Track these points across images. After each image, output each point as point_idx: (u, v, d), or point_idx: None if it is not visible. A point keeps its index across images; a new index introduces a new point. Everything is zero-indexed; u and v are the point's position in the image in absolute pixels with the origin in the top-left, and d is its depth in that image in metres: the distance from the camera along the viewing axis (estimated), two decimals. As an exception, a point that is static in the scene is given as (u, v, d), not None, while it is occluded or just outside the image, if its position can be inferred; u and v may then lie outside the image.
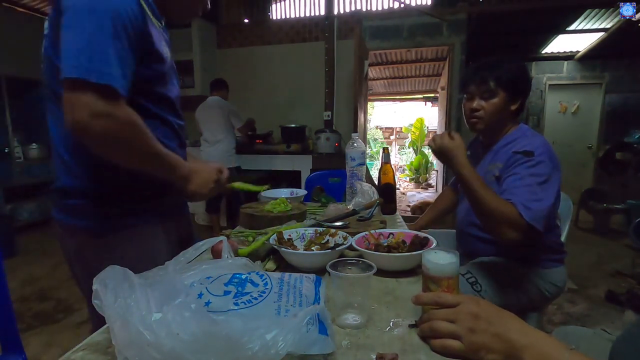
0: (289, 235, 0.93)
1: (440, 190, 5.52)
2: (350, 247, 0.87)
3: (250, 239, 0.98)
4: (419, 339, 0.56)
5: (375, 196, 1.26)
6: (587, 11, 3.96)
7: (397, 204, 1.51)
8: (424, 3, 4.48)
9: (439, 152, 1.12)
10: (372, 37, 4.42)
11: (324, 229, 0.98)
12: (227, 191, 1.09)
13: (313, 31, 4.58)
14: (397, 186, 6.94)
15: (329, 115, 4.30)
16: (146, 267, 0.56)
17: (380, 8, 4.57)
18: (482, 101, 1.22)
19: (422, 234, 0.92)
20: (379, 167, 1.48)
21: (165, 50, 0.90)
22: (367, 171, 1.62)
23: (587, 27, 4.37)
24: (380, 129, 12.63)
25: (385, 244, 0.90)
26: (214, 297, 0.50)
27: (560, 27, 4.41)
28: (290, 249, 0.85)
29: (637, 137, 4.84)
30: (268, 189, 1.39)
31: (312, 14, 4.74)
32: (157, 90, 0.90)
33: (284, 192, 1.49)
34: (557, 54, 5.37)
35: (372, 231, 0.95)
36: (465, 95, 1.28)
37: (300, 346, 0.44)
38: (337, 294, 0.61)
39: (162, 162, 0.85)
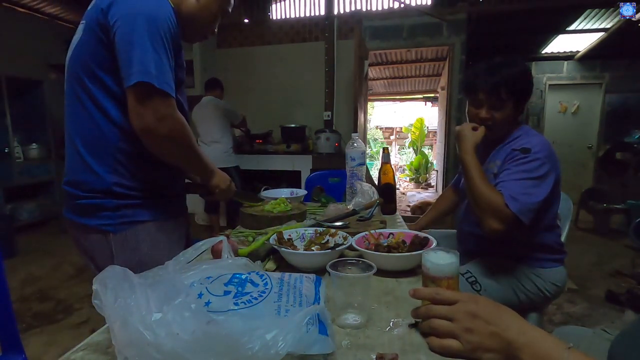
0: (289, 235, 0.93)
1: (440, 190, 5.52)
2: (350, 247, 0.87)
3: (250, 239, 0.99)
4: (419, 339, 0.56)
5: (375, 196, 1.26)
6: (587, 11, 3.96)
7: (397, 204, 1.51)
8: (424, 3, 4.47)
9: (457, 135, 1.21)
10: (372, 37, 4.42)
11: (324, 229, 0.98)
12: (231, 197, 1.19)
13: (313, 31, 4.58)
14: (397, 186, 6.94)
15: (329, 115, 4.30)
16: (160, 260, 0.58)
17: (380, 8, 4.57)
18: (492, 110, 1.19)
19: (422, 234, 0.92)
20: (379, 167, 1.48)
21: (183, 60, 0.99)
22: (367, 171, 1.62)
23: (587, 27, 4.37)
24: (380, 129, 12.63)
25: (385, 244, 0.90)
26: (214, 297, 0.50)
27: (560, 27, 4.41)
28: (290, 249, 0.85)
29: (637, 137, 4.85)
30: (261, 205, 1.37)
31: (312, 14, 4.73)
32: (176, 96, 0.96)
33: (284, 192, 1.49)
34: (557, 54, 5.37)
35: (372, 231, 0.95)
36: (469, 99, 1.24)
37: (300, 346, 0.44)
38: (337, 294, 0.61)
39: (200, 159, 1.00)
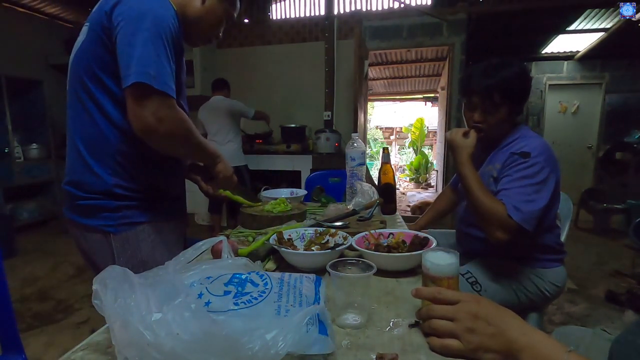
0: (289, 235, 0.93)
1: (440, 190, 5.52)
2: (350, 247, 0.87)
3: (250, 239, 0.99)
4: (419, 339, 0.56)
5: (375, 196, 1.26)
6: (587, 11, 3.96)
7: (397, 204, 1.51)
8: (424, 3, 4.47)
9: (449, 145, 1.19)
10: (372, 37, 4.42)
11: (324, 229, 0.98)
12: (230, 188, 1.18)
13: (313, 31, 4.58)
14: (397, 186, 6.94)
15: (329, 115, 4.30)
16: (161, 261, 0.58)
17: (380, 8, 4.57)
18: (485, 114, 1.18)
19: (422, 234, 0.92)
20: (379, 167, 1.48)
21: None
22: (367, 171, 1.62)
23: (587, 27, 4.37)
24: (380, 129, 12.63)
25: (385, 244, 0.90)
26: (214, 297, 0.50)
27: (560, 27, 4.41)
28: (290, 249, 0.85)
29: (637, 137, 4.84)
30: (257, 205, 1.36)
31: (312, 14, 4.73)
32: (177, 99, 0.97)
33: (284, 192, 1.49)
34: (557, 54, 5.37)
35: (372, 231, 0.95)
36: (464, 101, 1.24)
37: (300, 346, 0.44)
38: (337, 294, 0.61)
39: (203, 148, 1.00)
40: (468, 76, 1.21)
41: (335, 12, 4.39)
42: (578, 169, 5.57)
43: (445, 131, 4.62)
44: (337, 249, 0.83)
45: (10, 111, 4.01)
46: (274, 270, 0.84)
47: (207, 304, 0.49)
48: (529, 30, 4.50)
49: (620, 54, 5.03)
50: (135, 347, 0.41)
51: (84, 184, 0.91)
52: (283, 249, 0.83)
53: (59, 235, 3.99)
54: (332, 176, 2.24)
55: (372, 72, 6.84)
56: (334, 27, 4.21)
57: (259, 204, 1.30)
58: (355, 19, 4.34)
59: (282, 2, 4.80)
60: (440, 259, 0.62)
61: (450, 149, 1.19)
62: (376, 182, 1.48)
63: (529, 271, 1.21)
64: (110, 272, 0.47)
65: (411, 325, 0.60)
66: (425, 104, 10.52)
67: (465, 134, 1.18)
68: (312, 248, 0.89)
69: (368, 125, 8.54)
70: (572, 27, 4.39)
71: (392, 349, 0.53)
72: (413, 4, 4.47)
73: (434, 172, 7.78)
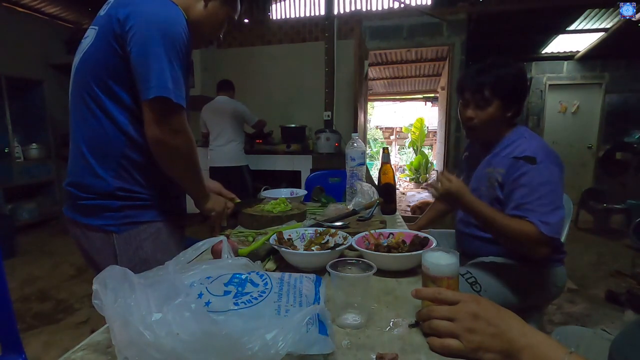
0: (289, 235, 0.93)
1: (440, 190, 5.52)
2: (350, 247, 0.87)
3: (250, 239, 0.99)
4: (419, 339, 0.56)
5: (375, 196, 1.26)
6: (587, 11, 3.96)
7: (397, 204, 1.51)
8: (424, 3, 4.48)
9: (446, 196, 1.12)
10: (372, 37, 4.42)
11: (324, 229, 0.98)
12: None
13: (313, 31, 4.58)
14: (397, 186, 6.94)
15: (329, 115, 4.30)
16: (162, 260, 0.58)
17: (380, 8, 4.57)
18: (477, 110, 1.19)
19: (422, 234, 0.92)
20: (379, 167, 1.48)
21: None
22: (367, 171, 1.62)
23: (587, 27, 4.37)
24: (380, 129, 12.63)
25: (385, 244, 0.90)
26: (214, 297, 0.50)
27: (560, 27, 4.41)
28: (290, 249, 0.85)
29: (637, 137, 4.85)
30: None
31: (312, 14, 4.73)
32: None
33: (284, 192, 1.49)
34: (557, 54, 5.37)
35: (372, 231, 0.95)
36: (460, 99, 1.26)
37: (300, 346, 0.44)
38: (337, 294, 0.61)
39: (200, 178, 1.01)
40: (464, 74, 1.24)
41: (335, 12, 4.39)
42: (578, 169, 5.56)
43: (446, 131, 4.63)
44: (337, 249, 0.83)
45: (10, 111, 4.01)
46: (274, 270, 0.84)
47: (207, 304, 0.49)
48: (529, 30, 4.50)
49: (620, 54, 5.03)
50: (135, 347, 0.41)
51: (87, 186, 0.91)
52: (283, 249, 0.83)
53: (59, 235, 3.99)
54: (332, 176, 2.24)
55: (372, 72, 6.84)
56: (334, 27, 4.21)
57: (260, 205, 1.30)
58: (355, 19, 4.33)
59: (282, 2, 4.80)
60: (440, 259, 0.62)
61: (449, 198, 1.12)
62: (376, 182, 1.48)
63: (529, 271, 1.21)
64: (110, 272, 0.47)
65: (411, 325, 0.60)
66: (425, 104, 10.52)
67: (449, 179, 1.12)
68: (312, 248, 0.89)
69: (368, 125, 8.54)
70: (572, 27, 4.39)
71: (392, 349, 0.53)
72: (413, 4, 4.47)
73: (434, 172, 7.78)
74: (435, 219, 1.63)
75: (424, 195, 6.73)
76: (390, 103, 11.39)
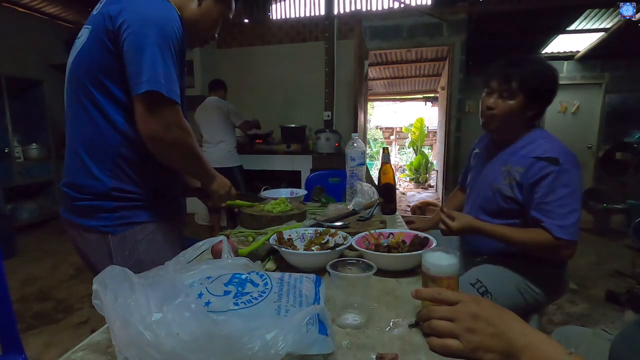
0: (289, 235, 0.93)
1: (440, 190, 5.53)
2: (350, 247, 0.87)
3: (250, 239, 0.99)
4: (419, 339, 0.56)
5: (375, 196, 1.26)
6: (587, 11, 3.96)
7: (397, 204, 1.51)
8: (424, 3, 4.47)
9: (457, 233, 1.18)
10: (372, 37, 4.42)
11: (324, 229, 0.98)
12: (229, 201, 1.18)
13: (313, 31, 4.58)
14: (397, 186, 6.94)
15: (329, 115, 4.30)
16: (159, 261, 0.58)
17: (380, 8, 4.57)
18: (499, 100, 1.16)
19: (422, 234, 0.92)
20: (379, 167, 1.48)
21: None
22: (367, 171, 1.62)
23: (587, 27, 4.36)
24: (380, 129, 12.63)
25: (385, 244, 0.90)
26: (214, 297, 0.50)
27: (560, 27, 4.40)
28: (290, 249, 0.85)
29: (637, 137, 4.84)
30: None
31: (312, 14, 4.73)
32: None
33: (284, 192, 1.49)
34: (557, 54, 5.37)
35: (372, 231, 0.95)
36: (486, 90, 1.21)
37: (300, 346, 0.44)
38: (337, 294, 0.61)
39: (202, 164, 1.01)
40: (495, 64, 1.20)
41: (335, 12, 4.39)
42: (578, 169, 5.56)
43: (446, 131, 4.63)
44: (337, 249, 0.83)
45: (10, 111, 4.01)
46: (274, 270, 0.84)
47: (207, 304, 0.49)
48: (529, 30, 4.50)
49: (620, 54, 5.03)
50: (135, 347, 0.41)
51: (83, 186, 0.91)
52: (283, 249, 0.83)
53: (59, 235, 3.99)
54: (332, 176, 2.24)
55: (372, 72, 6.84)
56: (334, 27, 4.21)
57: (260, 204, 1.30)
58: (355, 19, 4.33)
59: (282, 2, 4.80)
60: (440, 259, 0.62)
61: (462, 232, 1.18)
62: (376, 182, 1.48)
63: (537, 274, 1.19)
64: (110, 272, 0.47)
65: (411, 325, 0.60)
66: (425, 104, 10.52)
67: (451, 217, 1.16)
68: (312, 248, 0.89)
69: (368, 125, 8.54)
70: (572, 27, 4.39)
71: (392, 349, 0.54)
72: (413, 4, 4.47)
73: (434, 172, 7.78)
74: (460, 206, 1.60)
75: (424, 195, 6.73)
76: (390, 103, 11.39)
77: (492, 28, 4.34)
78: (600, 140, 5.50)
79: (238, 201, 1.23)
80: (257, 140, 4.29)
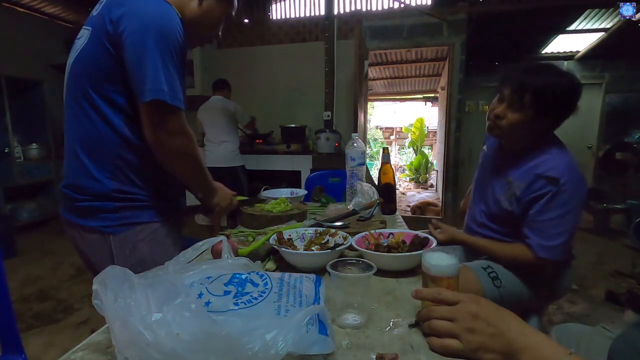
0: (289, 235, 0.93)
1: (440, 190, 5.52)
2: (350, 247, 0.87)
3: (250, 239, 0.99)
4: (419, 339, 0.56)
5: (375, 196, 1.26)
6: (587, 11, 3.96)
7: (397, 204, 1.51)
8: (424, 3, 4.47)
9: (446, 243, 1.26)
10: (372, 37, 4.41)
11: (324, 229, 0.98)
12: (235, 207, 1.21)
13: (313, 31, 4.58)
14: (397, 186, 6.94)
15: (329, 115, 4.30)
16: (159, 261, 0.58)
17: (380, 8, 4.57)
18: (509, 110, 1.08)
19: (422, 234, 0.92)
20: (379, 167, 1.48)
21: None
22: (367, 171, 1.62)
23: (587, 27, 4.36)
24: (380, 129, 12.63)
25: (385, 244, 0.90)
26: (214, 297, 0.50)
27: (560, 27, 4.40)
28: (290, 249, 0.85)
29: (637, 137, 4.85)
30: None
31: (312, 14, 4.73)
32: None
33: (284, 192, 1.49)
34: (557, 54, 5.36)
35: (372, 231, 0.95)
36: (498, 93, 1.13)
37: (300, 346, 0.44)
38: (337, 294, 0.61)
39: (205, 175, 1.02)
40: (512, 69, 1.11)
41: (335, 12, 4.38)
42: (578, 169, 5.56)
43: (446, 131, 4.62)
44: (337, 249, 0.83)
45: (10, 111, 4.00)
46: (274, 270, 0.84)
47: (207, 304, 0.49)
48: (529, 30, 4.50)
49: (620, 54, 5.02)
50: (135, 347, 0.41)
51: (82, 187, 0.91)
52: (283, 249, 0.83)
53: (59, 235, 3.99)
54: (332, 176, 2.24)
55: (372, 72, 6.83)
56: (334, 27, 4.21)
57: (260, 204, 1.30)
58: (355, 19, 4.34)
59: (282, 2, 4.80)
60: (440, 259, 0.62)
61: (449, 242, 1.27)
62: (376, 182, 1.48)
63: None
64: (110, 272, 0.47)
65: (411, 325, 0.60)
66: (425, 104, 10.51)
67: (441, 231, 1.27)
68: (312, 248, 0.89)
69: (368, 125, 8.54)
70: (572, 27, 4.39)
71: (392, 349, 0.54)
72: (413, 4, 4.47)
73: (434, 172, 7.78)
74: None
75: (424, 195, 6.73)
76: (390, 103, 11.39)
77: (492, 28, 4.34)
78: (600, 140, 5.49)
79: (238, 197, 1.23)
80: (257, 140, 4.29)
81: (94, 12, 0.90)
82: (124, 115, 0.89)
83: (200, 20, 0.99)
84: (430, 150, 9.62)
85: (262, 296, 0.51)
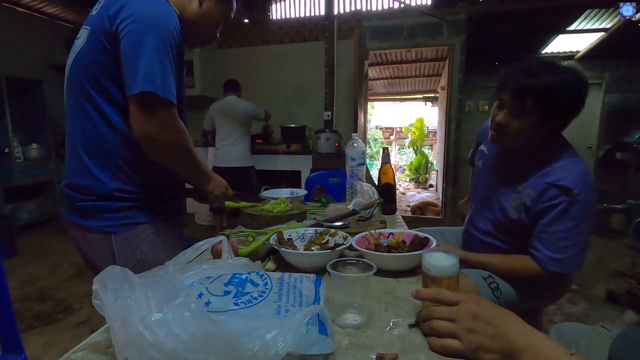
0: (289, 235, 0.93)
1: (440, 190, 5.52)
2: (350, 247, 0.87)
3: (250, 239, 0.99)
4: (419, 339, 0.56)
5: (375, 196, 1.26)
6: (587, 11, 3.96)
7: (397, 204, 1.51)
8: (424, 3, 4.47)
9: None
10: (372, 37, 4.41)
11: (324, 229, 0.98)
12: (227, 204, 1.17)
13: (313, 31, 4.58)
14: (397, 186, 6.94)
15: (329, 115, 4.30)
16: (160, 260, 0.58)
17: (380, 8, 4.57)
18: (510, 117, 1.01)
19: (422, 234, 0.92)
20: (379, 167, 1.48)
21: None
22: (367, 171, 1.62)
23: (587, 27, 4.36)
24: (380, 129, 12.63)
25: (385, 244, 0.90)
26: (214, 297, 0.50)
27: (560, 27, 4.40)
28: (290, 249, 0.85)
29: (637, 137, 4.84)
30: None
31: (312, 14, 4.73)
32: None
33: (284, 192, 1.49)
34: (557, 54, 5.37)
35: (372, 231, 0.95)
36: (497, 98, 1.07)
37: (300, 346, 0.44)
38: (337, 294, 0.61)
39: (198, 165, 1.01)
40: (507, 71, 1.03)
41: (335, 12, 4.38)
42: (578, 169, 5.55)
43: (446, 131, 4.62)
44: (337, 249, 0.83)
45: (10, 111, 4.00)
46: (274, 270, 0.84)
47: (207, 304, 0.49)
48: (529, 30, 4.50)
49: (620, 54, 5.02)
50: (135, 347, 0.41)
51: (84, 187, 0.91)
52: (283, 249, 0.83)
53: (59, 235, 3.99)
54: (332, 176, 2.24)
55: (372, 72, 6.84)
56: (334, 27, 4.21)
57: (261, 204, 1.30)
58: (355, 19, 4.34)
59: (282, 2, 4.80)
60: (440, 259, 0.62)
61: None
62: (376, 182, 1.48)
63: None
64: (110, 272, 0.47)
65: (411, 325, 0.60)
66: (425, 104, 10.51)
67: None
68: (312, 248, 0.89)
69: (368, 125, 8.54)
70: (572, 27, 4.39)
71: (392, 349, 0.53)
72: (413, 4, 4.47)
73: (434, 172, 7.78)
74: None
75: (424, 195, 6.73)
76: (390, 103, 11.39)
77: (492, 28, 4.34)
78: (600, 140, 5.50)
79: (242, 202, 1.23)
80: (257, 140, 4.30)
81: (93, 12, 0.90)
82: (123, 113, 0.89)
83: (200, 20, 1.00)
84: (430, 150, 9.62)
85: (262, 296, 0.51)
